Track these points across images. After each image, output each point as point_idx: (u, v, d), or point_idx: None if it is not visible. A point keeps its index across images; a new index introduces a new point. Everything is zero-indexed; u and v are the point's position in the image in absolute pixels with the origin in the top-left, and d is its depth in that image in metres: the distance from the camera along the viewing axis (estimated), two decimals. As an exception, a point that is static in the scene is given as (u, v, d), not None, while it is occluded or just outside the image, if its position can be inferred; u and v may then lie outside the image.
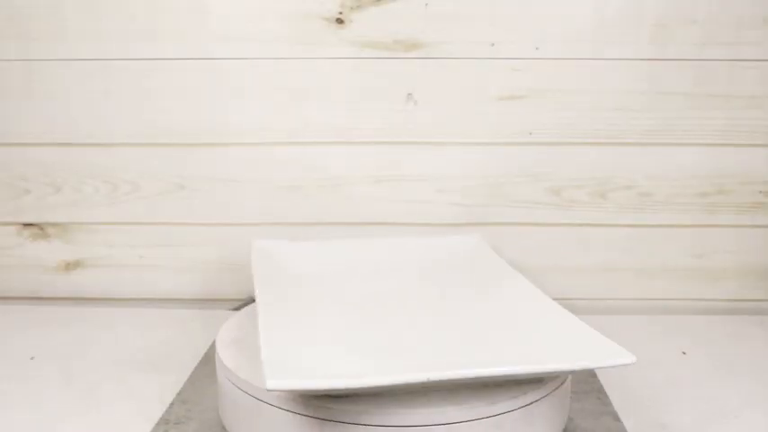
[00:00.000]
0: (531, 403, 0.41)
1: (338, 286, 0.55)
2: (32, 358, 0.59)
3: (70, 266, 0.72)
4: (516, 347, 0.43)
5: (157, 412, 0.48)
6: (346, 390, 0.37)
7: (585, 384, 0.52)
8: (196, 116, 0.68)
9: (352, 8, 0.65)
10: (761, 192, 0.68)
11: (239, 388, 0.42)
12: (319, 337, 0.45)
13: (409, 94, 0.67)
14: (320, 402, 0.39)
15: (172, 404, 0.49)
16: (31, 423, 0.48)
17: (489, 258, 0.60)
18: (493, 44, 0.65)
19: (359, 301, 0.53)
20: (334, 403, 0.39)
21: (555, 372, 0.41)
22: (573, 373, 0.43)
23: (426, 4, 0.64)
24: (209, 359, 0.56)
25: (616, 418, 0.47)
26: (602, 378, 0.54)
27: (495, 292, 0.54)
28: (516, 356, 0.41)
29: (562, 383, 0.44)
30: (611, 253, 0.70)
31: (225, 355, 0.45)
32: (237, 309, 0.51)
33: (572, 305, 0.71)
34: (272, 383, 0.35)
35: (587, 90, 0.66)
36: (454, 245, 0.63)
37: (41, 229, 0.72)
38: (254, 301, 0.49)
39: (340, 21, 0.65)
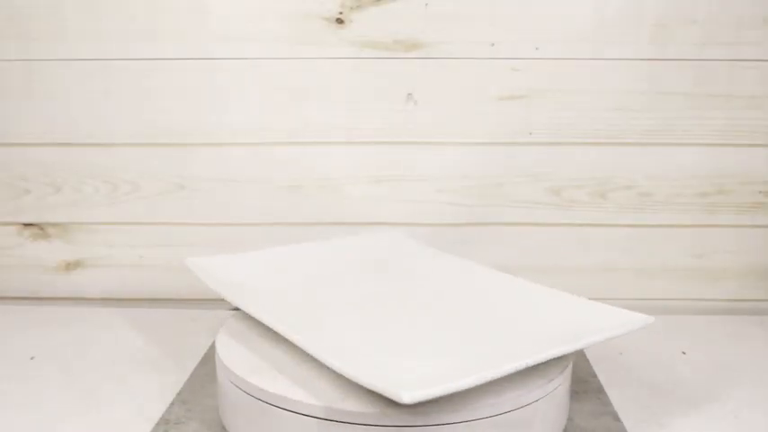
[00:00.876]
0: (531, 403, 0.41)
1: (308, 293, 0.55)
2: (32, 358, 0.59)
3: (70, 266, 0.72)
4: (541, 331, 0.45)
5: (157, 412, 0.48)
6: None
7: (585, 384, 0.52)
8: (196, 116, 0.68)
9: (352, 8, 0.65)
10: (761, 192, 0.68)
11: (239, 388, 0.42)
12: (365, 341, 0.46)
13: (409, 94, 0.67)
14: (320, 402, 0.39)
15: (172, 404, 0.49)
16: (31, 423, 0.48)
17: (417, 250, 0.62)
18: (493, 44, 0.65)
19: (344, 303, 0.53)
20: (333, 403, 0.39)
21: (593, 343, 0.43)
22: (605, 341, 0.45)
23: (426, 4, 0.64)
24: (209, 359, 0.56)
25: (616, 418, 0.47)
26: (602, 378, 0.54)
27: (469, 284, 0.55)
28: (551, 338, 0.43)
29: (561, 384, 0.44)
30: (611, 253, 0.70)
31: (225, 355, 0.45)
32: (237, 309, 0.51)
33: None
34: (408, 396, 0.34)
35: (587, 90, 0.66)
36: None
37: (41, 229, 0.72)
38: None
39: (340, 21, 0.65)
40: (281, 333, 0.43)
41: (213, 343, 0.52)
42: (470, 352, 0.43)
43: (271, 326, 0.44)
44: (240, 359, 0.44)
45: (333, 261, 0.60)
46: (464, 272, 0.57)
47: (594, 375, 0.54)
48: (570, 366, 0.45)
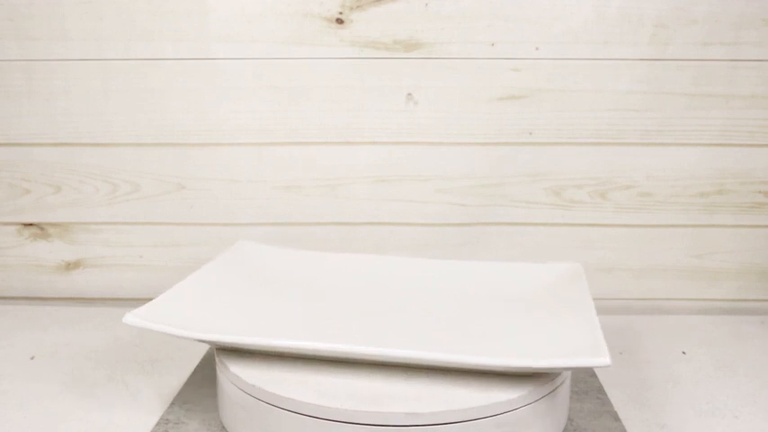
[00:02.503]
0: (531, 403, 0.41)
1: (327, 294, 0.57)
2: (32, 358, 0.59)
3: (70, 266, 0.72)
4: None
5: (157, 412, 0.48)
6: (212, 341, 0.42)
7: (585, 384, 0.52)
8: (196, 116, 0.68)
9: (352, 8, 0.65)
10: (761, 192, 0.68)
11: (239, 388, 0.42)
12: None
13: (409, 94, 0.67)
14: (320, 402, 0.39)
15: (172, 404, 0.49)
16: (31, 423, 0.48)
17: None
18: (493, 44, 0.65)
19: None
20: (333, 403, 0.39)
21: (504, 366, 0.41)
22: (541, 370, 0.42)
23: (426, 4, 0.64)
24: (208, 360, 0.56)
25: (616, 418, 0.47)
26: (602, 378, 0.54)
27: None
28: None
29: (561, 384, 0.44)
30: (610, 253, 0.70)
31: (225, 356, 0.45)
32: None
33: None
34: (128, 318, 0.42)
35: (587, 90, 0.66)
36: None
37: (41, 229, 0.72)
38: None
39: (340, 21, 0.65)
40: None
41: (213, 343, 0.52)
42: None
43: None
44: (240, 359, 0.44)
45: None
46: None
47: (594, 375, 0.54)
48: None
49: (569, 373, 0.46)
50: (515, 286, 0.56)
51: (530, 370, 0.41)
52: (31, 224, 0.72)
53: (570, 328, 0.45)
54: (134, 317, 0.45)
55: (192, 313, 0.47)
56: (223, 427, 0.46)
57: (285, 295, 0.55)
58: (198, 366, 0.55)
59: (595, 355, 0.38)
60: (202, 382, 0.52)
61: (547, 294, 0.54)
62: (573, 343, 0.43)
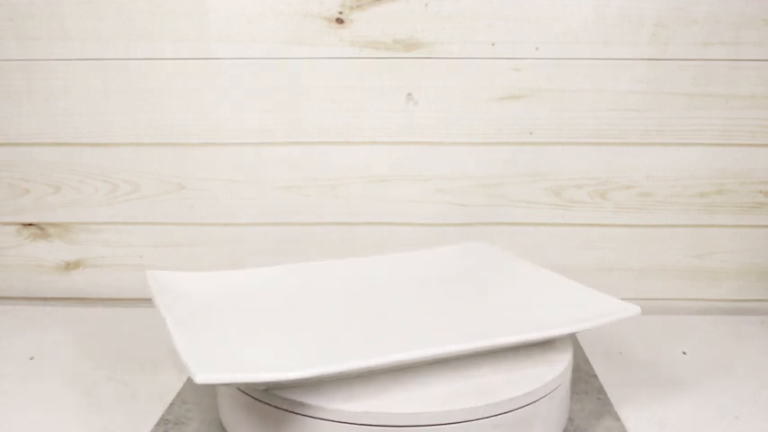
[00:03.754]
0: (531, 403, 0.41)
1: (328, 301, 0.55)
2: (32, 358, 0.59)
3: (70, 266, 0.72)
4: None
5: (157, 412, 0.48)
6: (275, 383, 0.39)
7: (585, 384, 0.52)
8: (196, 116, 0.68)
9: (352, 8, 0.65)
10: (761, 192, 0.68)
11: (239, 388, 0.42)
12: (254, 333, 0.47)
13: (409, 94, 0.67)
14: (320, 402, 0.39)
15: (172, 404, 0.49)
16: (32, 423, 0.48)
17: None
18: (493, 44, 0.65)
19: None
20: (332, 403, 0.39)
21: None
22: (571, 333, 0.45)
23: (426, 4, 0.64)
24: (209, 359, 0.56)
25: (616, 418, 0.47)
26: (602, 378, 0.54)
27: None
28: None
29: (561, 384, 0.44)
30: (610, 253, 0.70)
31: (225, 355, 0.45)
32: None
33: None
34: (201, 377, 0.35)
35: (587, 90, 0.66)
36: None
37: (41, 229, 0.72)
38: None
39: (340, 21, 0.65)
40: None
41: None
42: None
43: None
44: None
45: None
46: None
47: (594, 375, 0.54)
48: (570, 366, 0.45)
49: (569, 373, 0.46)
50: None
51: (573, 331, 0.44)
52: (30, 224, 0.72)
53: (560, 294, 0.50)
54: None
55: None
56: (223, 427, 0.46)
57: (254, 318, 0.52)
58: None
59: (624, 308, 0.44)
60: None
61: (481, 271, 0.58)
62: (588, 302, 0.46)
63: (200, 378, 0.35)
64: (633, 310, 0.47)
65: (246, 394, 0.42)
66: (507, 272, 0.58)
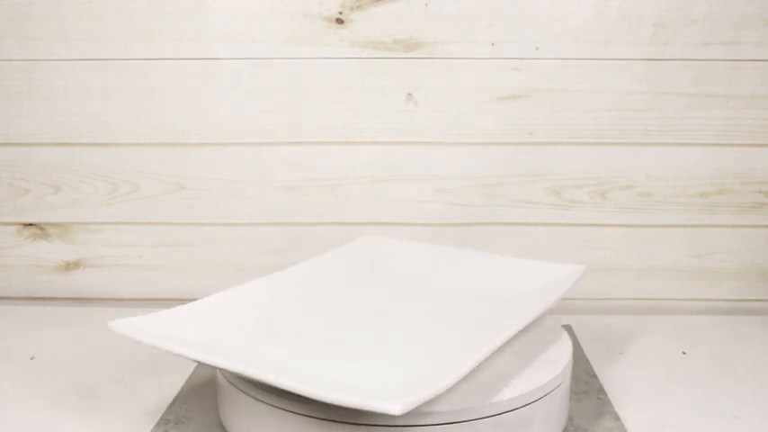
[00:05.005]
0: (531, 403, 0.41)
1: (370, 291, 0.55)
2: (32, 358, 0.59)
3: (70, 266, 0.72)
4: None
5: (157, 412, 0.48)
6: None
7: (585, 384, 0.52)
8: (196, 116, 0.68)
9: (352, 8, 0.65)
10: (761, 192, 0.68)
11: (239, 388, 0.42)
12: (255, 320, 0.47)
13: (409, 94, 0.67)
14: (319, 402, 0.39)
15: (172, 404, 0.49)
16: (31, 423, 0.48)
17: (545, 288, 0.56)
18: (493, 44, 0.65)
19: (353, 309, 0.52)
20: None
21: None
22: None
23: (426, 4, 0.64)
24: (209, 359, 0.56)
25: (616, 418, 0.47)
26: (602, 378, 0.54)
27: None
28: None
29: (561, 384, 0.44)
30: (610, 253, 0.70)
31: (225, 355, 0.45)
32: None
33: (572, 305, 0.71)
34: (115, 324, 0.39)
35: (587, 90, 0.66)
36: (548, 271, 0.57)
37: (41, 229, 0.72)
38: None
39: (340, 21, 0.65)
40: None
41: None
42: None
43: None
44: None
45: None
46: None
47: (594, 375, 0.54)
48: (570, 366, 0.45)
49: (569, 373, 0.46)
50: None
51: None
52: (30, 224, 0.72)
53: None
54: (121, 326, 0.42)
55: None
56: (223, 427, 0.46)
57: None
58: (198, 366, 0.55)
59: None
60: (202, 382, 0.52)
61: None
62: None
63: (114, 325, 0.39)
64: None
65: (247, 394, 0.42)
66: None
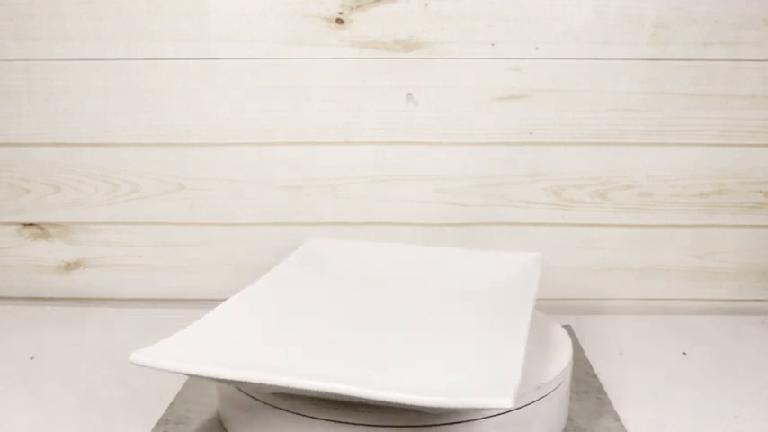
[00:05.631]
0: (531, 403, 0.41)
1: (348, 292, 0.55)
2: (32, 358, 0.59)
3: (70, 266, 0.72)
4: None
5: (157, 412, 0.48)
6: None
7: (585, 384, 0.52)
8: (196, 116, 0.68)
9: (352, 8, 0.65)
10: (761, 192, 0.68)
11: (239, 388, 0.42)
12: (262, 332, 0.46)
13: (409, 94, 0.67)
14: (319, 402, 0.39)
15: (172, 404, 0.49)
16: (31, 423, 0.48)
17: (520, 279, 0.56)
18: (493, 44, 0.65)
19: (350, 309, 0.52)
20: (332, 403, 0.39)
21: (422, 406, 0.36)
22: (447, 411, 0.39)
23: (426, 4, 0.64)
24: (209, 359, 0.56)
25: (616, 418, 0.47)
26: (602, 378, 0.54)
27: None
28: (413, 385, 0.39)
29: (561, 384, 0.44)
30: (610, 253, 0.70)
31: (225, 355, 0.45)
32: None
33: (572, 305, 0.71)
34: (135, 357, 0.37)
35: (587, 90, 0.66)
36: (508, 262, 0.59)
37: (41, 229, 0.72)
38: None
39: (340, 21, 0.65)
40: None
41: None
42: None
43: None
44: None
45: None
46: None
47: (594, 375, 0.54)
48: (570, 366, 0.45)
49: (569, 373, 0.46)
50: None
51: None
52: (30, 224, 0.72)
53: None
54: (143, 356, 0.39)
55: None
56: (223, 428, 0.46)
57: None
58: (198, 366, 0.55)
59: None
60: (202, 383, 0.52)
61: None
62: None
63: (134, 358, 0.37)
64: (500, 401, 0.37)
65: (246, 394, 0.42)
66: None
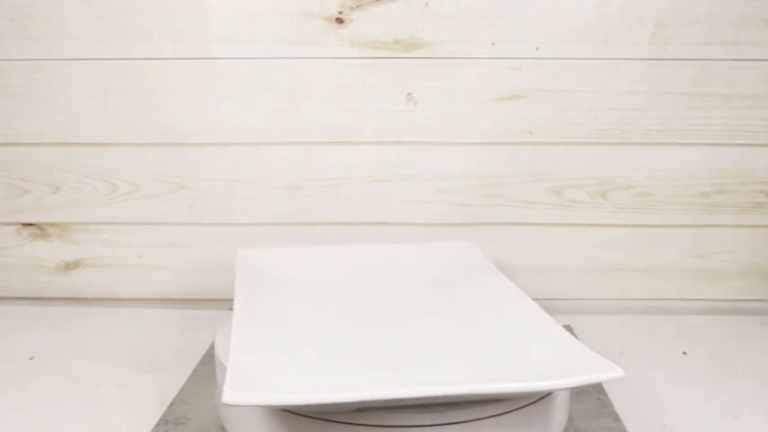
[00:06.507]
0: (531, 403, 0.41)
1: (324, 296, 0.54)
2: (32, 358, 0.59)
3: (70, 266, 0.72)
4: (502, 363, 0.42)
5: (157, 412, 0.48)
6: (310, 405, 0.36)
7: (585, 384, 0.52)
8: (196, 116, 0.68)
9: (352, 8, 0.65)
10: (761, 192, 0.68)
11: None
12: (294, 349, 0.44)
13: (409, 94, 0.67)
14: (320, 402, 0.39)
15: (172, 404, 0.49)
16: (32, 423, 0.48)
17: (477, 265, 0.59)
18: (493, 44, 0.65)
19: (343, 311, 0.52)
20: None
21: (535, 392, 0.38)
22: (558, 390, 0.41)
23: (426, 4, 0.64)
24: (209, 359, 0.56)
25: (616, 418, 0.47)
26: (603, 378, 0.54)
27: (482, 304, 0.53)
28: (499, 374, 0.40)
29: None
30: (611, 253, 0.70)
31: (224, 356, 0.45)
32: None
33: (572, 305, 0.71)
34: (229, 396, 0.34)
35: (587, 90, 0.66)
36: (446, 251, 0.62)
37: (41, 229, 0.72)
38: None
39: (340, 20, 0.65)
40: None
41: (213, 343, 0.52)
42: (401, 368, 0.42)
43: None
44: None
45: (373, 267, 0.59)
46: (494, 294, 0.54)
47: (595, 375, 0.54)
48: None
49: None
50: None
51: None
52: (30, 224, 0.72)
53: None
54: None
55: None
56: (223, 427, 0.46)
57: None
58: (198, 366, 0.55)
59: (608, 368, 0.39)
60: (202, 382, 0.52)
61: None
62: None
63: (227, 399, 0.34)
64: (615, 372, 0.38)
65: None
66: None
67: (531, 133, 0.67)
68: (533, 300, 0.50)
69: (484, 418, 0.39)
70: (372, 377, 0.40)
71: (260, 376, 0.38)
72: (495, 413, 0.39)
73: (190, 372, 0.54)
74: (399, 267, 0.59)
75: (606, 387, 0.52)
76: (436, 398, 0.37)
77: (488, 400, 0.39)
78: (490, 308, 0.51)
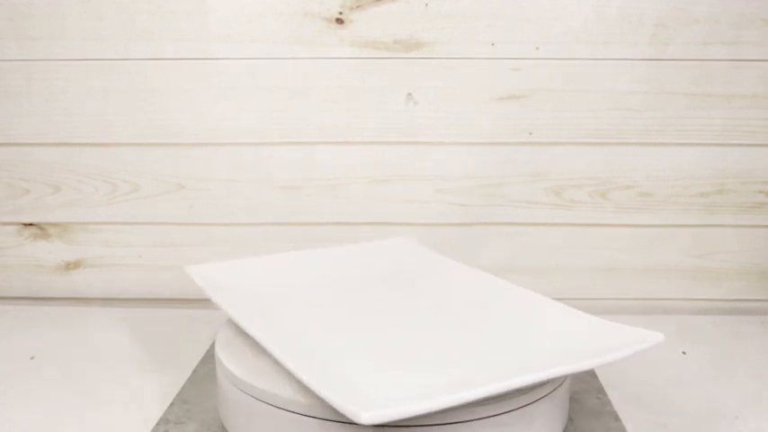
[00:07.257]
0: (531, 403, 0.41)
1: (311, 300, 0.53)
2: (32, 358, 0.59)
3: (70, 266, 0.72)
4: (539, 349, 0.43)
5: (157, 412, 0.48)
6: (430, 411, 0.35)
7: (585, 384, 0.52)
8: (196, 116, 0.68)
9: (352, 8, 0.65)
10: (761, 192, 0.68)
11: (239, 388, 0.42)
12: (350, 353, 0.44)
13: (409, 94, 0.67)
14: (319, 402, 0.39)
15: (172, 404, 0.49)
16: (31, 423, 0.48)
17: (429, 258, 0.59)
18: (493, 44, 0.65)
19: (346, 312, 0.51)
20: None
21: (600, 364, 0.39)
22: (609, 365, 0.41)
23: (426, 4, 0.64)
24: (209, 359, 0.56)
25: (616, 418, 0.47)
26: (602, 378, 0.54)
27: (471, 293, 0.53)
28: (549, 358, 0.41)
29: (561, 384, 0.44)
30: (611, 253, 0.70)
31: (224, 356, 0.45)
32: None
33: (572, 305, 0.71)
34: (367, 417, 0.32)
35: (587, 90, 0.66)
36: (389, 248, 0.61)
37: (41, 228, 0.72)
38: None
39: (340, 21, 0.65)
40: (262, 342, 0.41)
41: (213, 343, 0.52)
42: (459, 368, 0.42)
43: (252, 334, 0.43)
44: (239, 359, 0.44)
45: (337, 269, 0.58)
46: (473, 281, 0.55)
47: (594, 375, 0.54)
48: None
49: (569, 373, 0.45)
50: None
51: None
52: (30, 224, 0.72)
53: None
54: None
55: None
56: (223, 427, 0.46)
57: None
58: (198, 366, 0.55)
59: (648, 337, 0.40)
60: (202, 382, 0.52)
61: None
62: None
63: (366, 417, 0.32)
64: (655, 337, 0.40)
65: (246, 394, 0.42)
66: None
67: (530, 133, 0.67)
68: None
69: (484, 418, 0.39)
70: (440, 378, 0.40)
71: (360, 386, 0.38)
72: (495, 413, 0.39)
73: (190, 372, 0.54)
74: (355, 268, 0.58)
75: (606, 387, 0.52)
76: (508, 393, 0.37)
77: (488, 401, 0.39)
78: (480, 298, 0.51)
